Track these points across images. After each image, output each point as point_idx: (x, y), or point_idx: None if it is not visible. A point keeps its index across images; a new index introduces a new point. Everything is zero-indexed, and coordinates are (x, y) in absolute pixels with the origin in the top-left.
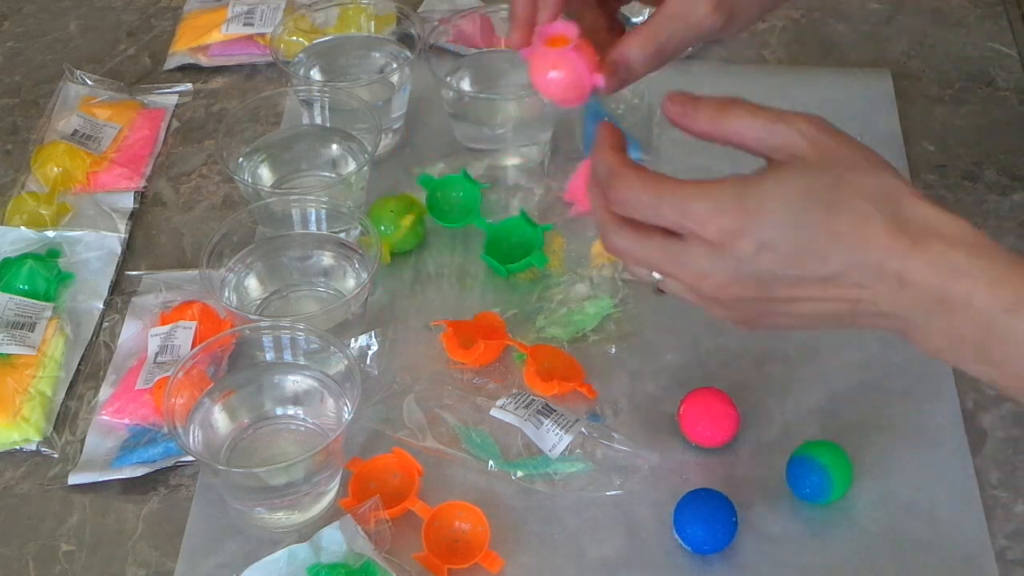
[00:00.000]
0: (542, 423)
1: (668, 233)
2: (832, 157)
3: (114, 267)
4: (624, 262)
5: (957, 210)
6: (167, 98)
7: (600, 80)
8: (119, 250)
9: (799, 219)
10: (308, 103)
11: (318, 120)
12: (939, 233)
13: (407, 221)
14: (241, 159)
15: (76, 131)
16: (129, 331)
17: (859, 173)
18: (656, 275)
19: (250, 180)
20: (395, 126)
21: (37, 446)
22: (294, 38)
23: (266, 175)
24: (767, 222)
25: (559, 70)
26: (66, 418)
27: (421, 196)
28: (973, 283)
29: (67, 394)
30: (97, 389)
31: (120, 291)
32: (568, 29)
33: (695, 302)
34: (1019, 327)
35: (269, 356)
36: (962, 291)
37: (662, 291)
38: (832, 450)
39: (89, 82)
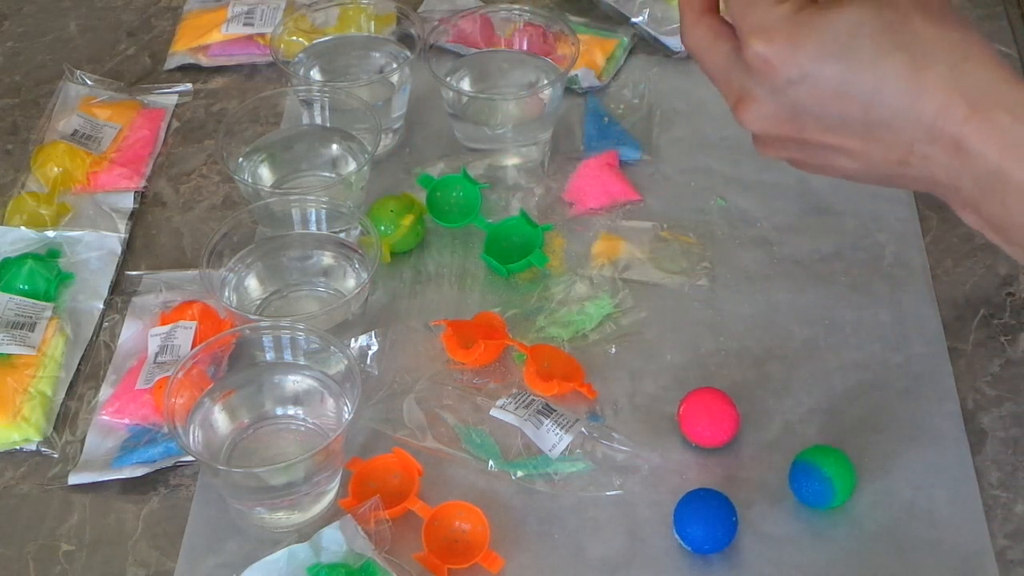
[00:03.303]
0: (542, 423)
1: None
2: None
3: (114, 267)
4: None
5: None
6: (167, 98)
7: None
8: (119, 250)
9: (844, 53)
10: (308, 103)
11: (318, 120)
12: (1004, 103)
13: (407, 221)
14: (241, 159)
15: (76, 131)
16: (129, 331)
17: (927, 18)
18: None
19: (250, 180)
20: (395, 126)
21: (37, 446)
22: (294, 38)
23: (266, 175)
24: (811, 54)
25: None
26: (66, 418)
27: (421, 196)
28: None
29: (67, 394)
30: (97, 389)
31: (120, 291)
32: None
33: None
34: None
35: (269, 356)
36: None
37: None
38: (837, 458)
39: (89, 82)
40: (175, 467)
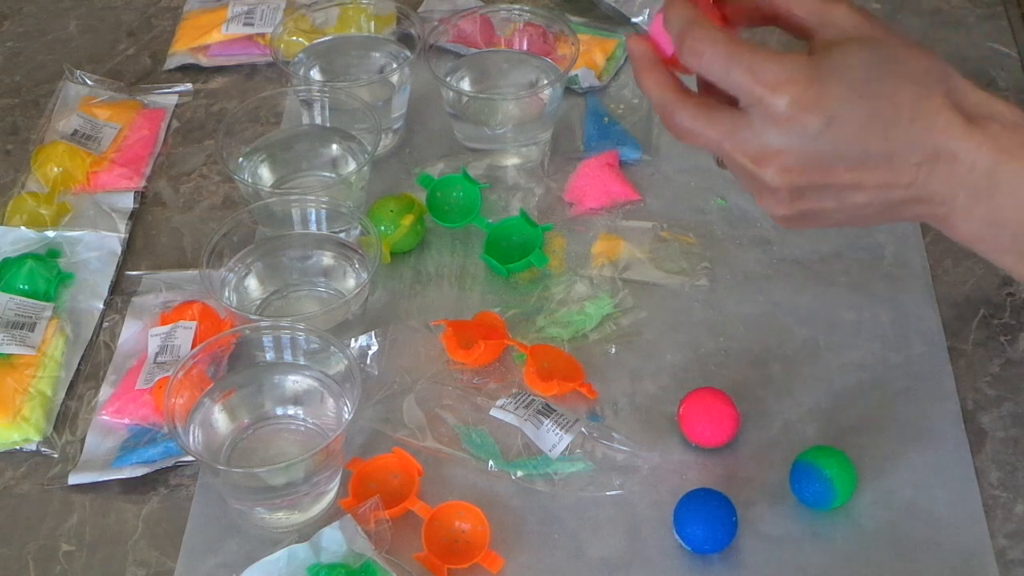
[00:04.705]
0: (542, 423)
1: (732, 107)
2: (885, 34)
3: (114, 267)
4: (685, 142)
5: None
6: (167, 98)
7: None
8: (119, 250)
9: (865, 90)
10: (308, 103)
11: (318, 120)
12: (992, 114)
13: (407, 221)
14: (241, 159)
15: (76, 131)
16: (129, 331)
17: (913, 51)
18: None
19: (250, 180)
20: (395, 126)
21: (37, 446)
22: (294, 38)
23: (266, 175)
24: (835, 94)
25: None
26: (66, 418)
27: (421, 196)
28: None
29: (67, 394)
30: (97, 389)
31: (120, 291)
32: None
33: (747, 186)
34: None
35: (269, 356)
36: (1014, 172)
37: (723, 166)
38: (838, 459)
39: (89, 82)
40: (175, 467)
